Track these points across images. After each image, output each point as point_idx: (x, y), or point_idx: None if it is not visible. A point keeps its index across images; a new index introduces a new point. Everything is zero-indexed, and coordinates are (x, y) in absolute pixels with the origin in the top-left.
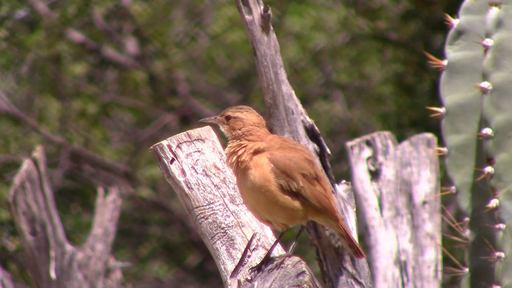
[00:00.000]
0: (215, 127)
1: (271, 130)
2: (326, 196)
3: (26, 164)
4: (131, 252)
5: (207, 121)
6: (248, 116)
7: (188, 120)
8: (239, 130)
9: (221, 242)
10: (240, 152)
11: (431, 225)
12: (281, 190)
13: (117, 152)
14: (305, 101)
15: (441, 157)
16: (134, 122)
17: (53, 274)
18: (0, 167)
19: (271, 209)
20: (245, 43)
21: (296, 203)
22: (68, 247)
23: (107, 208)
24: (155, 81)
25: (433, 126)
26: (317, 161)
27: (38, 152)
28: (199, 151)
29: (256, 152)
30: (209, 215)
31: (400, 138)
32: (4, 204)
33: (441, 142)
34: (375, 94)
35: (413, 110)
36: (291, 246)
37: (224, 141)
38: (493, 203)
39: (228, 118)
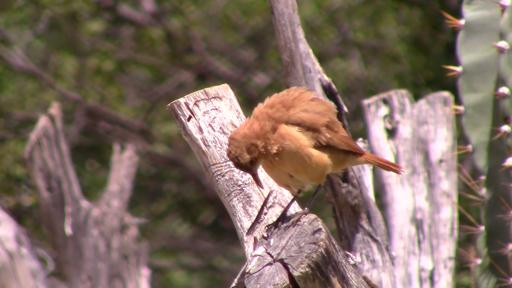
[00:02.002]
0: (233, 85)
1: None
2: (349, 137)
3: (43, 121)
4: (147, 209)
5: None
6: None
7: (204, 78)
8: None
9: (237, 199)
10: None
11: (447, 183)
12: (315, 147)
13: (133, 109)
14: (321, 59)
15: (458, 115)
16: (150, 79)
17: (68, 230)
18: (16, 124)
19: (307, 170)
20: (261, 1)
21: (327, 157)
22: (84, 204)
23: (123, 165)
24: (172, 38)
25: (448, 85)
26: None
27: (55, 109)
28: (216, 109)
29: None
30: (226, 172)
31: (415, 97)
32: (20, 160)
33: (457, 101)
34: (390, 53)
35: (428, 70)
36: (308, 204)
37: (241, 99)
38: (510, 161)
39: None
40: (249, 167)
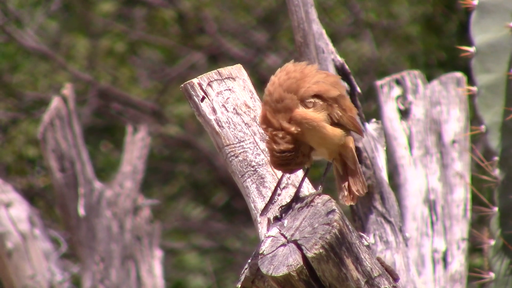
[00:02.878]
0: (246, 65)
1: None
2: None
3: (55, 102)
4: (159, 190)
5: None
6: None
7: (216, 59)
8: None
9: (251, 180)
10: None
11: (460, 164)
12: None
13: (145, 90)
14: (333, 40)
15: (471, 96)
16: (162, 61)
17: (81, 211)
18: (29, 105)
19: (327, 145)
20: None
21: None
22: (97, 185)
23: (136, 146)
24: (183, 19)
25: (461, 66)
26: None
27: (67, 90)
28: (229, 90)
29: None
30: (240, 153)
31: (428, 78)
32: (33, 141)
33: (470, 82)
34: (403, 34)
35: (440, 50)
36: (320, 184)
37: (254, 79)
38: None
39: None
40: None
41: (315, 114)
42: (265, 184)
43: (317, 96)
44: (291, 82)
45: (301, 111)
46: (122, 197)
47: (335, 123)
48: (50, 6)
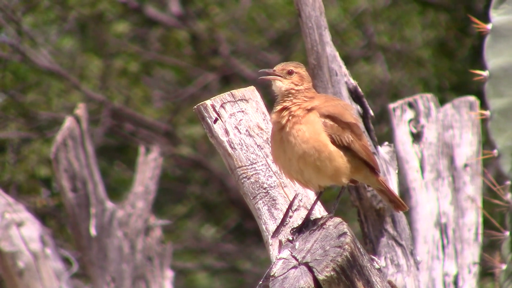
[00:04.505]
0: (259, 87)
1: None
2: (370, 150)
3: (68, 121)
4: (171, 211)
5: (267, 76)
6: (307, 74)
7: (228, 80)
8: (298, 86)
9: (263, 202)
10: (294, 108)
11: (472, 188)
12: (333, 143)
13: (158, 111)
14: (346, 62)
15: (483, 120)
16: (175, 81)
17: (93, 231)
18: (41, 124)
19: (320, 165)
20: (287, 4)
21: (345, 158)
22: (109, 205)
23: (148, 166)
24: (197, 40)
25: (473, 90)
26: (360, 122)
27: (81, 110)
28: (242, 111)
29: (310, 110)
30: (252, 175)
31: (440, 102)
32: (45, 161)
33: (483, 106)
34: (415, 57)
35: (452, 74)
36: (333, 207)
37: (267, 101)
38: None
39: (290, 72)
40: (282, 74)
41: (320, 127)
42: (276, 206)
43: (328, 116)
44: (327, 97)
45: (311, 116)
46: (134, 217)
47: (343, 147)
48: (64, 26)
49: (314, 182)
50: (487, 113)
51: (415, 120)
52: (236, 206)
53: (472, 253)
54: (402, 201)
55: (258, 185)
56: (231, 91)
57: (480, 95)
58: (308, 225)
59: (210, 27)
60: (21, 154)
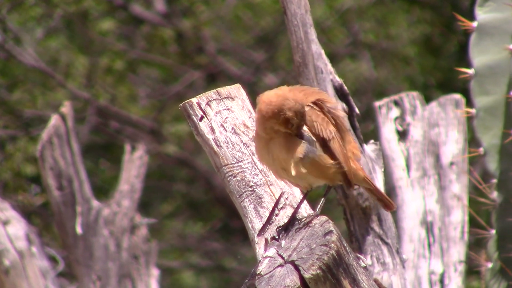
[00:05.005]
0: (244, 85)
1: None
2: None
3: (54, 119)
4: (157, 209)
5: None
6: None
7: (214, 78)
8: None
9: (249, 200)
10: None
11: (458, 186)
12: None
13: (144, 109)
14: (331, 60)
15: (469, 118)
16: (161, 79)
17: (79, 230)
18: (27, 122)
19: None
20: (272, 2)
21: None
22: (95, 203)
23: (134, 165)
24: (183, 38)
25: (459, 88)
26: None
27: (66, 108)
28: (228, 109)
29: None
30: (238, 173)
31: (426, 99)
32: (30, 159)
33: (469, 103)
34: (401, 54)
35: (438, 72)
36: (319, 205)
37: (253, 99)
38: None
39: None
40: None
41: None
42: (262, 204)
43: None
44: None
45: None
46: (120, 215)
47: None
48: (50, 24)
49: (304, 183)
50: (473, 111)
51: (401, 118)
52: (222, 205)
53: (458, 251)
54: (390, 200)
55: (244, 183)
56: (217, 89)
57: (466, 93)
58: (294, 223)
59: (196, 25)
60: (6, 152)
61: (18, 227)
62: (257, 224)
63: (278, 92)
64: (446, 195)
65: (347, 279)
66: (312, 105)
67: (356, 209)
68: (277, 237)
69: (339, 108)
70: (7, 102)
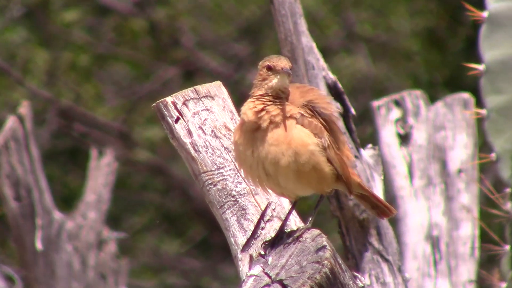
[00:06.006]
0: (226, 83)
1: None
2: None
3: (11, 121)
4: (127, 222)
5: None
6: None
7: (192, 75)
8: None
9: (231, 211)
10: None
11: (467, 196)
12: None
13: (112, 110)
14: (325, 55)
15: (480, 120)
16: (131, 76)
17: (39, 245)
18: None
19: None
20: None
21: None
22: (57, 215)
23: (101, 172)
24: (156, 30)
25: (468, 86)
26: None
27: (24, 108)
28: (207, 110)
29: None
30: (218, 181)
31: (431, 99)
32: None
33: (479, 103)
34: (402, 48)
35: (445, 68)
36: (310, 218)
37: (235, 98)
38: None
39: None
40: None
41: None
42: (247, 217)
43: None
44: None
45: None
46: (85, 229)
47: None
48: (7, 14)
49: (290, 190)
50: (484, 111)
51: (403, 120)
52: (201, 217)
53: (467, 269)
54: (388, 204)
55: (225, 193)
56: (195, 86)
57: (476, 91)
58: (283, 237)
59: (171, 14)
60: None
61: None
62: (241, 239)
63: None
64: (453, 207)
65: None
66: (302, 112)
67: (353, 222)
68: (263, 253)
69: (333, 105)
70: None
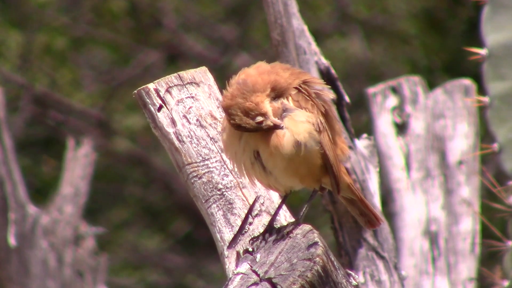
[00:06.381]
0: (212, 68)
1: None
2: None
3: None
4: (106, 216)
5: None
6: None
7: (175, 59)
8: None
9: (217, 206)
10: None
11: (467, 190)
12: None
13: (90, 96)
14: (317, 38)
15: (482, 108)
16: (111, 61)
17: (12, 241)
18: None
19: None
20: None
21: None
22: (31, 209)
23: (78, 163)
24: (137, 11)
25: (470, 71)
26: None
27: None
28: (192, 97)
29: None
30: (204, 173)
31: (430, 85)
32: None
33: (481, 90)
34: (399, 31)
35: (444, 53)
36: (301, 212)
37: (221, 85)
38: None
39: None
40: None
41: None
42: (234, 211)
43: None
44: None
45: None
46: (61, 224)
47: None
48: None
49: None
50: (486, 99)
51: (400, 108)
52: (184, 211)
53: (467, 267)
54: (377, 213)
55: (211, 186)
56: (179, 72)
57: (478, 77)
58: (272, 233)
59: None
60: None
61: None
62: (227, 235)
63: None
64: (453, 200)
65: None
66: (299, 87)
67: (346, 217)
68: (251, 249)
69: (328, 90)
70: None
